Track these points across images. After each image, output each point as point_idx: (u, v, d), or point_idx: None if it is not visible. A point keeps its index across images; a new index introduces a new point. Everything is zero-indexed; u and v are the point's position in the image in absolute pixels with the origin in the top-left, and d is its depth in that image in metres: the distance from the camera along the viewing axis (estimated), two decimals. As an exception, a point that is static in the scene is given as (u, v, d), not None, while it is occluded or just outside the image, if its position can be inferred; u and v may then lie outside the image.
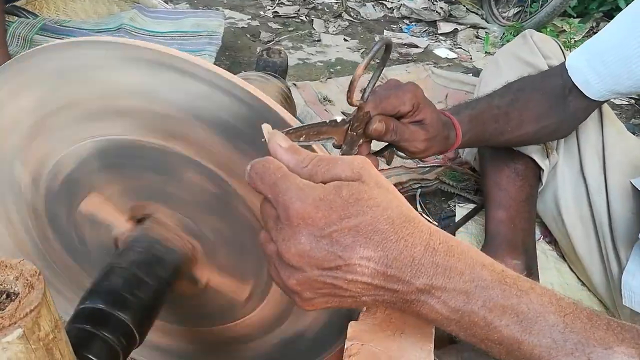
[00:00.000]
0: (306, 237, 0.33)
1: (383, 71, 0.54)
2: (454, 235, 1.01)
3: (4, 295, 0.37)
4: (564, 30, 2.12)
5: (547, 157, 0.90)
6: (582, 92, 0.72)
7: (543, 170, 0.89)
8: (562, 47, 0.96)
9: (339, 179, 0.34)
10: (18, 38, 1.22)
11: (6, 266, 0.36)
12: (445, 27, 2.10)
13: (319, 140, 0.44)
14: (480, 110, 0.71)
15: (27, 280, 0.36)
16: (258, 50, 1.67)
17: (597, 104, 0.75)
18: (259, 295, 0.53)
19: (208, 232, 0.51)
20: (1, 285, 0.36)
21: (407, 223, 0.34)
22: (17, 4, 1.38)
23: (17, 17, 1.34)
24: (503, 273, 0.35)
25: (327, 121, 0.47)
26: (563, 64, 0.74)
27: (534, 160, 0.88)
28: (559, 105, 0.74)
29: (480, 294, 0.34)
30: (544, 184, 0.91)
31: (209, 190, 0.47)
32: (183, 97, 0.42)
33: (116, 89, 0.44)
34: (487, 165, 0.93)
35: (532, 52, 0.94)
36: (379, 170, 1.10)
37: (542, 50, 0.94)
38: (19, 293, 0.36)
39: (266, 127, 0.37)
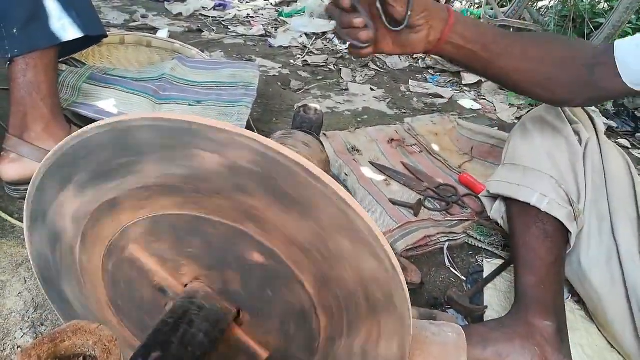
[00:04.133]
0: None
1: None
2: (482, 292, 1.02)
3: (81, 358, 0.40)
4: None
5: (575, 219, 0.91)
6: (617, 72, 0.74)
7: (571, 233, 0.91)
8: (591, 114, 0.99)
9: None
10: (67, 87, 1.30)
11: (86, 331, 0.40)
12: (469, 78, 2.15)
13: None
14: (490, 27, 0.81)
15: (105, 345, 0.39)
16: (293, 105, 1.73)
17: (626, 92, 0.77)
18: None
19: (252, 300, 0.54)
20: (80, 348, 0.40)
21: None
22: (66, 52, 1.47)
23: (66, 66, 1.42)
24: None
25: None
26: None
27: (562, 222, 0.89)
28: (580, 69, 0.76)
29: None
30: (572, 246, 0.93)
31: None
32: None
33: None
34: (515, 225, 0.95)
35: (558, 118, 0.97)
36: (406, 223, 1.11)
37: (569, 116, 0.97)
38: (96, 357, 0.39)
39: None
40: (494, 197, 1.04)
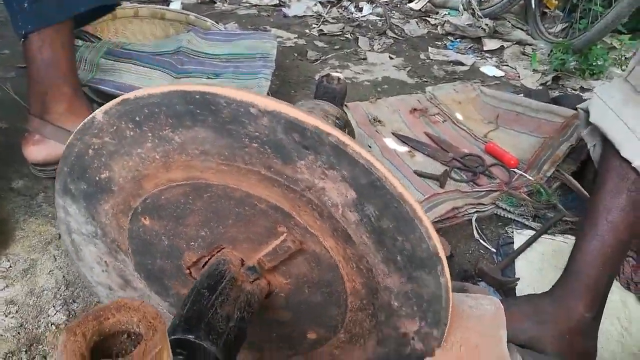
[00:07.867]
0: None
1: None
2: (514, 264, 1.00)
3: (125, 335, 0.39)
4: (614, 47, 2.08)
5: None
6: None
7: None
8: None
9: None
10: (85, 62, 1.28)
11: (130, 308, 0.38)
12: (490, 44, 2.09)
13: None
14: None
15: (149, 322, 0.38)
16: (310, 76, 1.69)
17: None
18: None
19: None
20: (124, 326, 0.39)
21: None
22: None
23: (82, 41, 1.40)
24: None
25: None
26: None
27: None
28: None
29: None
30: None
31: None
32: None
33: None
34: (602, 186, 0.81)
35: None
36: (433, 195, 1.05)
37: None
38: (140, 334, 0.38)
39: None
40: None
